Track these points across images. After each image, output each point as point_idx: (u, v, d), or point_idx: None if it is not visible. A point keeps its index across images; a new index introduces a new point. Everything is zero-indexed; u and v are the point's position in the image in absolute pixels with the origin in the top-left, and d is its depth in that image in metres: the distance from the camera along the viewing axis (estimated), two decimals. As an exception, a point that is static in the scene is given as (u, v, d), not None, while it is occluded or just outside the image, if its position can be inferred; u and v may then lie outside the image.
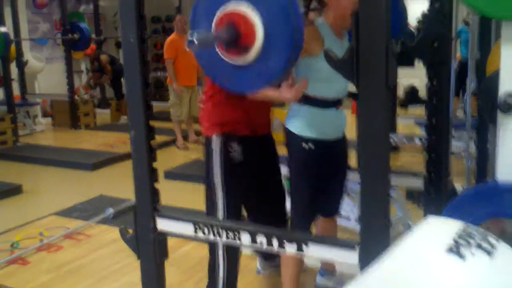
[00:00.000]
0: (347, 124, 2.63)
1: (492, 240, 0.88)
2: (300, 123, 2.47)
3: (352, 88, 2.83)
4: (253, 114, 2.59)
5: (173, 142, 7.27)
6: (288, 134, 2.51)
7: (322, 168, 2.51)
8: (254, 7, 1.74)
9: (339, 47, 2.23)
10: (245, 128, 2.57)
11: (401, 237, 0.94)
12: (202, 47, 1.77)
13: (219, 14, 1.80)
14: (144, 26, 2.13)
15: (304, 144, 2.45)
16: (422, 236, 0.91)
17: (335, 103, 2.50)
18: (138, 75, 2.11)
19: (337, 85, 2.45)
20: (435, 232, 0.91)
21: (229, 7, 1.78)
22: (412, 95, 10.43)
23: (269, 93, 2.29)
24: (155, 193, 2.24)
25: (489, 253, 0.84)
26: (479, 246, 0.85)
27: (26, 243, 3.92)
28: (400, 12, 2.95)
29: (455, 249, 0.83)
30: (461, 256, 0.82)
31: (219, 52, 1.84)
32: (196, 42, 1.66)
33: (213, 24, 1.81)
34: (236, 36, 1.76)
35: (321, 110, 2.45)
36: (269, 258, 3.16)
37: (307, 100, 2.43)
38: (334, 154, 2.59)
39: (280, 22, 1.72)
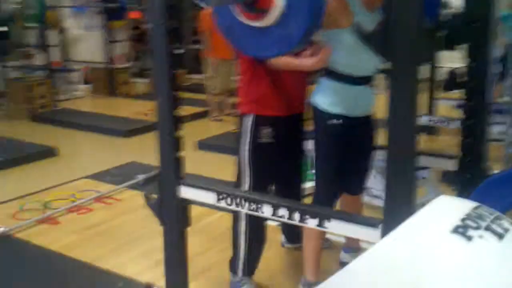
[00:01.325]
0: (374, 102, 2.57)
1: (505, 223, 0.82)
2: (327, 98, 2.43)
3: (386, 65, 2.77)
4: (288, 90, 2.56)
5: (207, 114, 7.29)
6: (315, 109, 2.47)
7: (348, 144, 2.47)
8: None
9: (370, 21, 2.15)
10: (278, 106, 2.55)
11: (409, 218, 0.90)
12: (218, 4, 1.73)
13: None
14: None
15: (330, 120, 2.41)
16: (428, 215, 0.86)
17: (364, 80, 2.44)
18: (163, 43, 2.07)
19: (365, 60, 2.37)
20: (442, 211, 0.86)
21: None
22: (452, 79, 10.21)
23: (292, 60, 2.26)
24: (179, 162, 2.23)
25: (499, 235, 0.79)
26: (489, 229, 0.80)
27: (58, 204, 4.01)
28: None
29: (462, 230, 0.78)
30: (467, 237, 0.77)
31: (238, 15, 1.79)
32: None
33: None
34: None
35: (348, 86, 2.40)
36: (293, 240, 3.15)
37: (334, 75, 2.38)
38: (360, 132, 2.54)
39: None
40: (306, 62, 2.20)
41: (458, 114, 5.45)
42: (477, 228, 0.79)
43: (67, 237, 3.47)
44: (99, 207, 4.00)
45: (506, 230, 0.81)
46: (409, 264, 0.75)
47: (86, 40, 9.57)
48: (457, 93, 8.49)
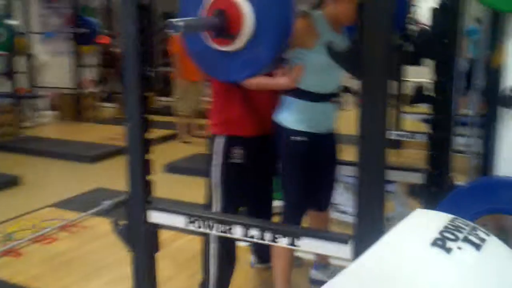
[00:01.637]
0: (337, 119, 2.61)
1: (481, 234, 0.82)
2: (292, 116, 2.44)
3: (347, 82, 2.82)
4: (260, 111, 2.56)
5: (176, 136, 7.26)
6: (279, 127, 2.47)
7: (313, 161, 2.49)
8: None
9: (336, 41, 2.17)
10: (251, 126, 2.54)
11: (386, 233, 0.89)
12: (188, 31, 1.74)
13: (209, 0, 1.76)
14: (146, 17, 2.09)
15: (295, 137, 2.42)
16: (407, 229, 0.85)
17: (328, 97, 2.47)
18: (136, 65, 2.07)
19: (330, 78, 2.44)
20: (421, 225, 0.86)
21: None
22: (419, 93, 10.39)
23: (265, 80, 2.28)
24: (148, 185, 2.20)
25: (477, 246, 0.79)
26: (466, 240, 0.79)
27: (21, 234, 3.88)
28: (403, 5, 2.89)
29: (441, 243, 0.77)
30: (446, 249, 0.76)
31: (208, 40, 1.81)
32: (182, 25, 1.62)
33: (202, 11, 1.77)
34: (226, 22, 1.73)
35: (312, 103, 2.43)
36: (263, 260, 3.13)
37: (299, 93, 2.40)
38: (325, 148, 2.57)
39: (270, 10, 1.70)
40: (280, 81, 2.22)
41: (424, 127, 5.56)
42: (455, 240, 0.79)
43: (32, 269, 3.35)
44: (64, 236, 3.89)
45: (483, 240, 0.80)
46: (392, 279, 0.73)
47: (54, 66, 9.45)
48: (422, 107, 8.65)
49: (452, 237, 0.79)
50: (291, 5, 1.79)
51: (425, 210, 0.93)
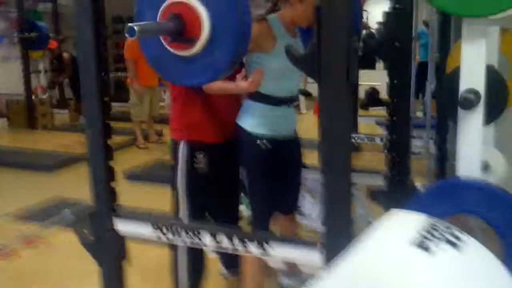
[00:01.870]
0: (296, 122, 2.66)
1: (457, 233, 0.87)
2: (253, 120, 2.46)
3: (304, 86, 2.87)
4: (221, 115, 2.56)
5: (133, 142, 7.17)
6: (241, 131, 2.49)
7: (277, 165, 2.51)
8: (201, -1, 1.72)
9: (293, 45, 2.22)
10: (213, 132, 2.55)
11: (363, 233, 0.92)
12: (144, 36, 1.74)
13: (164, 5, 1.77)
14: (102, 22, 2.07)
15: (257, 141, 2.44)
16: (385, 230, 0.89)
17: (287, 101, 2.51)
18: (94, 72, 2.05)
19: (288, 82, 2.48)
20: (398, 225, 0.89)
21: (175, -1, 1.75)
22: (372, 97, 10.63)
23: (225, 85, 2.29)
24: (112, 193, 2.18)
25: (455, 245, 0.83)
26: (444, 239, 0.83)
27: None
28: (356, 10, 2.97)
29: (420, 242, 0.81)
30: (426, 249, 0.80)
31: (164, 44, 1.81)
32: (136, 29, 1.62)
33: (158, 15, 1.78)
34: (182, 27, 1.73)
35: (272, 107, 2.46)
36: (231, 266, 3.13)
37: (259, 97, 2.43)
38: (288, 152, 2.60)
39: (226, 14, 1.71)
40: (240, 85, 2.23)
41: (379, 130, 5.70)
42: (433, 239, 0.82)
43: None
44: (24, 248, 3.80)
45: (459, 239, 0.85)
46: (374, 280, 0.76)
47: (2, 72, 9.18)
48: (378, 110, 8.85)
49: (430, 236, 0.83)
50: (248, 9, 1.81)
51: (400, 211, 0.97)
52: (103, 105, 2.09)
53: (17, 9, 8.76)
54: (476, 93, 1.69)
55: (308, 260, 1.80)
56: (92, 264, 2.18)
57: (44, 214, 4.40)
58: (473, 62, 1.70)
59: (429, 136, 3.71)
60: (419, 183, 2.87)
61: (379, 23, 2.22)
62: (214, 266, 3.13)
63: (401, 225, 0.90)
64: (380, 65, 10.20)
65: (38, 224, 4.19)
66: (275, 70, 2.37)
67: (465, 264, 0.81)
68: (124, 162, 5.89)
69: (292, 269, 3.04)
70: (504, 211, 1.56)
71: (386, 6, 2.18)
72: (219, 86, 2.29)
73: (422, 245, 0.81)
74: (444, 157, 3.31)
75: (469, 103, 1.66)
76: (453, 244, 0.83)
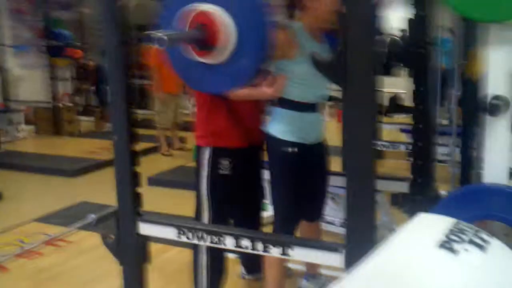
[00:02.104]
0: (325, 129, 2.65)
1: (484, 235, 0.86)
2: (281, 126, 2.47)
3: (333, 92, 2.87)
4: (246, 122, 2.59)
5: (157, 149, 7.24)
6: (269, 137, 2.50)
7: (304, 172, 2.51)
8: (226, 9, 1.75)
9: (318, 51, 2.23)
10: (237, 138, 2.57)
11: (387, 238, 0.92)
12: (172, 45, 1.77)
13: (191, 14, 1.80)
14: (128, 32, 2.11)
15: (285, 148, 2.45)
16: (413, 232, 0.89)
17: (314, 107, 2.51)
18: (121, 78, 2.10)
19: (314, 88, 2.47)
20: (426, 228, 0.90)
21: (201, 8, 1.78)
22: (395, 104, 10.54)
23: (250, 91, 2.30)
24: (137, 198, 2.22)
25: (482, 248, 0.83)
26: (471, 242, 0.83)
27: (5, 250, 3.83)
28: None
29: (448, 245, 0.81)
30: (453, 251, 0.80)
31: (191, 53, 1.84)
32: (166, 38, 1.65)
33: (185, 24, 1.81)
34: (208, 36, 1.76)
35: (299, 113, 2.46)
36: (252, 271, 3.14)
37: (285, 103, 2.44)
38: (315, 158, 2.59)
39: (251, 23, 1.74)
40: (265, 91, 2.25)
41: (401, 137, 5.67)
42: (461, 242, 0.83)
43: (19, 284, 3.32)
44: (50, 250, 3.86)
45: (487, 242, 0.85)
46: (400, 281, 0.77)
47: (28, 80, 9.35)
48: (401, 117, 8.79)
49: (457, 239, 0.83)
50: (272, 18, 1.83)
51: (428, 214, 0.97)
52: (129, 112, 2.13)
53: (42, 18, 8.95)
54: (503, 99, 1.68)
55: (330, 263, 1.80)
56: (114, 267, 2.21)
57: (70, 218, 4.46)
58: (498, 68, 1.69)
59: (454, 144, 3.68)
60: (444, 191, 2.86)
61: (403, 30, 2.22)
62: (234, 267, 3.15)
63: (428, 228, 0.90)
64: (404, 72, 10.16)
65: (63, 227, 4.25)
66: (299, 76, 2.38)
67: (491, 266, 0.81)
68: (148, 168, 5.95)
69: (313, 271, 3.04)
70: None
71: (405, 12, 2.18)
72: (244, 92, 2.31)
73: (450, 247, 0.81)
74: (469, 164, 3.28)
75: (496, 110, 1.65)
76: (480, 247, 0.83)
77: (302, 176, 2.52)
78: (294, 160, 2.46)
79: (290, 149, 2.45)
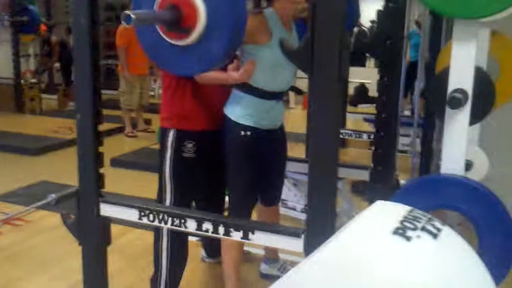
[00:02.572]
0: (284, 116, 2.68)
1: (437, 223, 0.89)
2: (239, 110, 2.48)
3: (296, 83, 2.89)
4: (212, 105, 2.58)
5: (121, 130, 7.17)
6: (226, 120, 2.51)
7: (259, 156, 2.54)
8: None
9: (288, 39, 2.25)
10: (202, 120, 2.56)
11: (349, 222, 0.94)
12: (140, 24, 1.75)
13: None
14: (96, 9, 2.07)
15: (240, 131, 2.46)
16: (368, 219, 0.91)
17: (276, 96, 2.52)
18: (88, 57, 2.06)
19: (280, 77, 2.48)
20: (381, 215, 0.92)
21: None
22: (361, 94, 10.66)
23: (217, 75, 2.30)
24: (99, 178, 2.19)
25: (434, 235, 0.86)
26: (424, 229, 0.86)
27: (-40, 227, 3.76)
28: (353, 8, 3.00)
29: (401, 231, 0.83)
30: (406, 237, 0.82)
31: (161, 34, 1.83)
32: (133, 17, 1.63)
33: (155, 5, 1.79)
34: (178, 16, 1.75)
35: (260, 100, 2.47)
36: (213, 254, 3.17)
37: (248, 88, 2.44)
38: (272, 143, 2.62)
39: (222, 6, 1.73)
40: (232, 75, 2.25)
41: (366, 127, 5.75)
42: (414, 229, 0.85)
43: (-26, 263, 3.27)
44: (7, 229, 3.80)
45: (439, 230, 0.87)
46: (355, 267, 0.79)
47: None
48: (364, 108, 8.89)
49: (411, 226, 0.86)
50: (243, 2, 1.83)
51: (385, 202, 1.00)
52: (95, 90, 2.10)
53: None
54: (464, 92, 1.72)
55: (290, 247, 1.82)
56: (74, 247, 2.19)
57: (29, 197, 4.39)
58: (462, 63, 1.73)
59: (416, 134, 3.75)
60: (403, 180, 2.92)
61: (372, 21, 2.25)
62: (195, 250, 3.17)
63: (383, 215, 0.93)
64: (370, 62, 10.28)
65: (23, 206, 4.18)
66: (268, 63, 2.38)
67: (442, 253, 0.84)
68: (112, 149, 5.89)
69: (272, 255, 3.08)
70: (483, 206, 1.60)
71: (379, 5, 2.20)
72: (210, 76, 2.30)
73: (403, 234, 0.83)
74: (430, 155, 3.35)
75: (457, 103, 1.69)
76: (433, 234, 0.86)
77: (258, 161, 2.54)
78: (249, 143, 2.48)
79: (243, 133, 2.46)
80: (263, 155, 2.57)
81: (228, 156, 2.54)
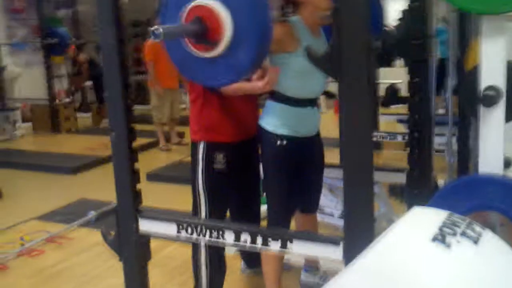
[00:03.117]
0: (320, 122, 2.66)
1: (477, 228, 0.88)
2: (274, 120, 2.48)
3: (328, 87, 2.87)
4: (239, 116, 2.59)
5: (155, 144, 7.25)
6: (262, 131, 2.52)
7: (296, 164, 2.53)
8: (223, 1, 1.75)
9: (316, 45, 2.24)
10: (231, 132, 2.57)
11: (385, 230, 0.93)
12: (168, 38, 1.77)
13: (188, 8, 1.80)
14: (123, 28, 2.11)
15: (277, 141, 2.46)
16: (407, 226, 0.90)
17: (309, 102, 2.51)
18: (118, 75, 2.09)
19: (311, 83, 2.48)
20: (420, 221, 0.91)
21: (198, 1, 1.78)
22: (392, 95, 10.55)
23: (241, 85, 2.32)
24: (137, 195, 2.22)
25: (474, 240, 0.84)
26: (464, 234, 0.85)
27: (6, 248, 3.85)
28: (377, 10, 2.98)
29: (441, 238, 0.82)
30: (446, 244, 0.81)
31: (188, 46, 1.84)
32: (161, 31, 1.66)
33: (182, 17, 1.81)
34: (205, 29, 1.76)
35: (294, 108, 2.47)
36: (252, 265, 3.16)
37: (280, 97, 2.45)
38: (308, 151, 2.60)
39: (248, 17, 1.75)
40: (256, 85, 2.26)
41: (400, 128, 5.68)
42: (454, 234, 0.84)
43: (20, 282, 3.34)
44: (51, 248, 3.88)
45: (480, 234, 0.86)
46: (396, 275, 0.78)
47: (26, 77, 9.36)
48: (396, 108, 8.79)
49: (450, 231, 0.85)
50: (269, 12, 1.83)
51: (423, 208, 0.98)
52: (127, 108, 2.13)
53: (37, 16, 8.94)
54: (497, 90, 1.69)
55: (329, 256, 1.81)
56: (115, 263, 2.22)
57: (70, 215, 4.48)
58: (492, 59, 1.70)
59: (451, 133, 3.68)
60: (442, 180, 2.87)
61: (398, 20, 2.22)
62: (234, 262, 3.17)
63: (422, 222, 0.91)
64: (400, 62, 10.15)
65: (64, 224, 4.26)
66: (298, 71, 2.39)
67: (483, 258, 0.82)
68: (146, 163, 5.96)
69: (312, 264, 3.06)
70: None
71: (403, 4, 2.18)
72: (235, 87, 2.32)
73: (443, 240, 0.82)
74: (467, 154, 3.29)
75: (490, 100, 1.66)
76: (473, 239, 0.84)
77: (295, 169, 2.53)
78: (286, 153, 2.47)
79: (279, 142, 2.46)
80: (301, 163, 2.56)
81: (265, 166, 2.55)
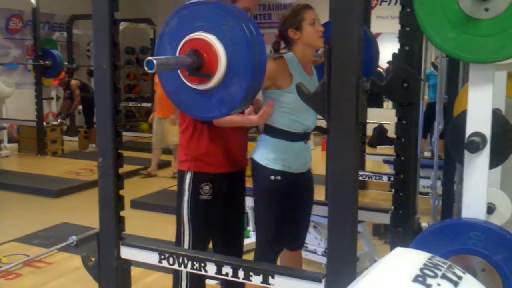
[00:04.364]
0: (311, 158, 2.66)
1: (458, 271, 0.89)
2: (267, 154, 2.49)
3: (320, 122, 2.90)
4: (229, 147, 2.59)
5: (141, 171, 7.22)
6: (255, 165, 2.52)
7: (288, 200, 2.53)
8: (217, 36, 1.78)
9: (308, 82, 2.28)
10: (219, 163, 2.56)
11: (367, 269, 0.94)
12: (161, 69, 1.79)
13: (183, 41, 1.83)
14: (117, 54, 2.13)
15: (270, 176, 2.47)
16: (389, 266, 0.91)
17: (302, 137, 2.53)
18: (109, 101, 2.11)
19: (304, 118, 2.50)
20: (402, 262, 0.92)
21: (194, 35, 1.81)
22: (380, 135, 10.63)
23: (234, 118, 2.34)
24: (120, 221, 2.21)
25: (454, 284, 0.85)
26: (444, 277, 0.85)
27: (-18, 269, 3.78)
28: (372, 51, 3.04)
29: (421, 279, 0.83)
30: (427, 285, 0.82)
31: (182, 78, 1.86)
32: (154, 62, 1.67)
33: (177, 50, 1.84)
34: (199, 62, 1.79)
35: (287, 142, 2.49)
36: None
37: (274, 131, 2.47)
38: (300, 187, 2.61)
39: (242, 51, 1.77)
40: (250, 118, 2.27)
41: (386, 169, 5.72)
42: (435, 276, 0.85)
43: (-5, 305, 3.28)
44: (29, 271, 3.81)
45: (460, 278, 0.87)
46: None
47: (14, 98, 9.33)
48: (383, 149, 8.85)
49: (431, 273, 0.85)
50: (263, 47, 1.87)
51: (405, 249, 0.99)
52: (116, 134, 2.14)
53: (33, 37, 8.95)
54: (482, 136, 1.72)
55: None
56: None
57: (50, 239, 4.42)
58: (479, 106, 1.74)
59: (436, 176, 3.72)
60: (425, 223, 2.89)
61: (389, 62, 2.27)
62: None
63: (404, 262, 0.92)
64: (388, 103, 10.29)
65: (43, 248, 4.20)
66: (291, 106, 2.42)
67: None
68: (132, 191, 5.92)
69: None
70: (507, 252, 1.57)
71: (395, 47, 2.23)
72: (227, 119, 2.33)
73: (423, 282, 0.83)
74: (451, 197, 3.32)
75: (475, 146, 1.69)
76: (453, 282, 0.85)
77: (286, 205, 2.53)
78: (278, 188, 2.48)
79: (273, 177, 2.47)
80: (292, 199, 2.56)
81: (257, 200, 2.55)
